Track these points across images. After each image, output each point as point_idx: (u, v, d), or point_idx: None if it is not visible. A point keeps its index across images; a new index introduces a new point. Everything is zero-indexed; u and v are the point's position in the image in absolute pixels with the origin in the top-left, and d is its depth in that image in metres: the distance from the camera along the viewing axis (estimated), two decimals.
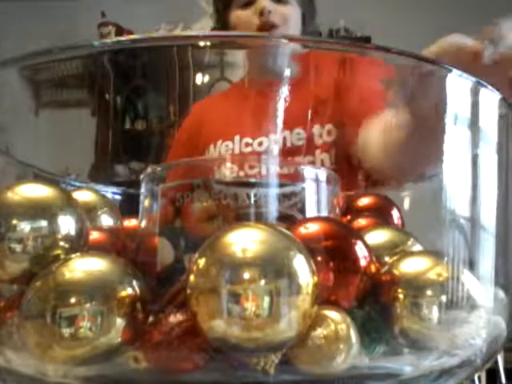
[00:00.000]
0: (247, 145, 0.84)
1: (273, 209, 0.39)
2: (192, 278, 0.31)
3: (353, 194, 0.55)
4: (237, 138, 0.85)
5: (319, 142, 0.86)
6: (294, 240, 0.32)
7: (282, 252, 0.31)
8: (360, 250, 0.35)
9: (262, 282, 0.29)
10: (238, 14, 1.00)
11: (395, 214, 0.50)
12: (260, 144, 0.80)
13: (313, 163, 0.84)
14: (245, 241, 0.31)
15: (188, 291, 0.31)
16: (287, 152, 0.83)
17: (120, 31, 3.01)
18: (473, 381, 1.22)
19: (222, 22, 1.05)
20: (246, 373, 0.33)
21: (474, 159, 0.41)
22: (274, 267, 0.30)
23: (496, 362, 1.61)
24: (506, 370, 1.69)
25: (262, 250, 0.30)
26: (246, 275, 0.30)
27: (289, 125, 0.82)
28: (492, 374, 1.68)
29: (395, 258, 0.37)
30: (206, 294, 0.30)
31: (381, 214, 0.49)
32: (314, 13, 1.10)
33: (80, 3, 3.15)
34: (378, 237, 0.42)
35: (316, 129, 0.86)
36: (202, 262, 0.31)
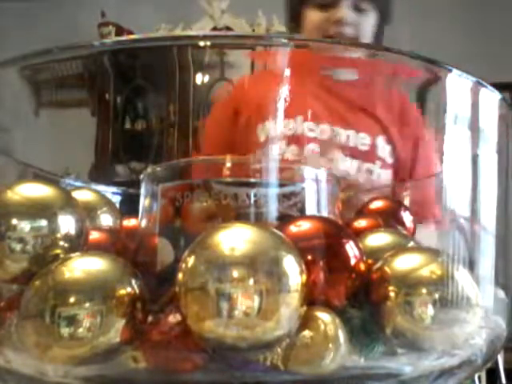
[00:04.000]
0: (310, 130, 0.80)
1: (273, 209, 0.39)
2: (181, 276, 0.31)
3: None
4: (299, 118, 0.80)
5: (381, 155, 0.85)
6: (284, 239, 0.32)
7: (271, 251, 0.31)
8: (351, 249, 0.35)
9: (251, 280, 0.29)
10: (312, 16, 0.95)
11: (407, 217, 0.50)
12: (323, 132, 0.77)
13: (371, 173, 0.83)
14: (233, 240, 0.31)
15: (177, 289, 0.31)
16: (348, 150, 0.82)
17: (120, 31, 3.01)
18: (473, 381, 1.22)
19: (294, 16, 0.99)
20: (246, 373, 0.33)
21: (474, 159, 0.41)
22: (262, 266, 0.30)
23: (496, 362, 1.61)
24: (505, 370, 1.69)
25: (251, 248, 0.30)
26: (235, 274, 0.30)
27: (355, 125, 0.81)
28: (492, 374, 1.68)
29: (388, 254, 0.36)
30: (194, 292, 0.30)
31: (393, 218, 0.49)
32: (389, 16, 1.07)
33: (80, 3, 3.15)
34: (378, 239, 0.42)
35: (380, 140, 0.85)
36: (190, 260, 0.31)
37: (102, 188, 0.54)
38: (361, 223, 0.47)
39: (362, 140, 0.81)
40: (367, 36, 0.98)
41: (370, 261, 0.36)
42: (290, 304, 0.30)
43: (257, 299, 0.29)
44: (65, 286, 0.32)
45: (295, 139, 0.42)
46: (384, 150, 0.85)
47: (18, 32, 3.02)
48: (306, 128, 0.77)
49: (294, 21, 0.98)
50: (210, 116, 0.79)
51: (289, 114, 0.82)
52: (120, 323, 0.31)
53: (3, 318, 0.35)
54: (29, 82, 0.45)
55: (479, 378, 1.58)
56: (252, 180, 0.41)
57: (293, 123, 0.79)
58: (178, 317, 0.32)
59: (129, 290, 0.32)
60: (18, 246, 0.34)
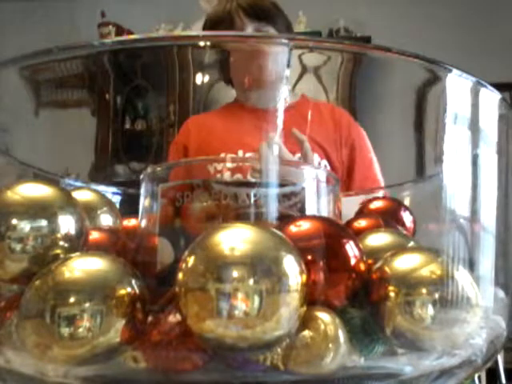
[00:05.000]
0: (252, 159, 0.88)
1: (273, 209, 0.39)
2: (181, 276, 0.31)
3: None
4: (240, 152, 0.87)
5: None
6: (284, 239, 0.32)
7: (271, 251, 0.31)
8: (351, 249, 0.35)
9: (251, 280, 0.29)
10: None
11: (407, 217, 0.50)
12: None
13: None
14: (234, 240, 0.31)
15: (177, 289, 0.31)
16: None
17: (120, 31, 3.01)
18: (473, 381, 1.22)
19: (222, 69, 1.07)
20: (246, 373, 0.33)
21: (474, 159, 0.41)
22: (262, 266, 0.30)
23: (496, 362, 1.61)
24: (506, 370, 1.69)
25: (251, 248, 0.30)
26: (235, 274, 0.30)
27: (290, 149, 0.87)
28: (492, 374, 1.68)
29: (388, 254, 0.36)
30: (194, 292, 0.30)
31: (393, 218, 0.49)
32: (291, 31, 1.14)
33: (80, 3, 3.15)
34: (378, 239, 0.42)
35: (315, 157, 0.92)
36: (190, 260, 0.31)
37: (102, 188, 0.54)
38: (361, 223, 0.47)
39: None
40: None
41: (370, 261, 0.36)
42: (290, 304, 0.30)
43: (257, 299, 0.29)
44: (65, 286, 0.32)
45: (239, 169, 0.45)
46: (321, 163, 0.92)
47: (18, 32, 3.02)
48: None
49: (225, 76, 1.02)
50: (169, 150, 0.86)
51: (231, 150, 0.88)
52: (120, 323, 0.31)
53: (3, 317, 0.35)
54: (29, 82, 0.45)
55: (479, 378, 1.58)
56: (252, 180, 0.41)
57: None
58: (178, 317, 0.32)
59: (129, 290, 0.32)
60: (18, 246, 0.34)
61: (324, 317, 0.33)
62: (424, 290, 0.34)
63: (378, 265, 0.36)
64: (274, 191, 0.40)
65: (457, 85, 0.39)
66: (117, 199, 0.55)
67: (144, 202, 0.43)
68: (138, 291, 0.33)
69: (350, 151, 0.96)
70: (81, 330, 0.30)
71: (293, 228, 0.36)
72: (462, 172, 0.40)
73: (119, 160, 0.66)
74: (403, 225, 0.49)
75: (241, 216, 0.38)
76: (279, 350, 0.32)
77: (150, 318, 0.33)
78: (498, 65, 2.59)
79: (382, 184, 0.77)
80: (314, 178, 0.43)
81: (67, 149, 0.59)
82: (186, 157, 0.96)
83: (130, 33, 2.93)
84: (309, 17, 3.09)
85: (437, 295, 0.33)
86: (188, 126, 0.92)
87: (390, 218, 0.49)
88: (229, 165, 0.44)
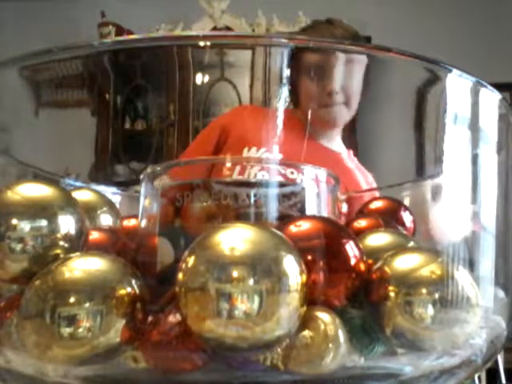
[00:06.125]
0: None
1: (273, 209, 0.39)
2: (181, 276, 0.31)
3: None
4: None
5: None
6: (284, 239, 0.32)
7: (271, 251, 0.31)
8: (351, 249, 0.35)
9: (251, 280, 0.29)
10: (307, 85, 1.00)
11: (407, 217, 0.50)
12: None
13: None
14: (234, 240, 0.31)
15: (177, 289, 0.31)
16: None
17: (120, 31, 3.02)
18: (473, 381, 1.22)
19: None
20: (246, 373, 0.33)
21: (474, 159, 0.41)
22: (262, 266, 0.30)
23: (496, 362, 1.61)
24: (506, 370, 1.69)
25: (251, 248, 0.30)
26: (235, 274, 0.30)
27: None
28: (492, 374, 1.68)
29: (388, 254, 0.36)
30: (194, 292, 0.30)
31: (393, 218, 0.49)
32: None
33: (80, 3, 3.15)
34: (378, 239, 0.42)
35: None
36: (190, 260, 0.31)
37: (102, 188, 0.54)
38: (361, 223, 0.47)
39: None
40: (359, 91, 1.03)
41: (370, 261, 0.36)
42: (290, 304, 0.30)
43: (257, 299, 0.29)
44: (65, 286, 0.32)
45: (266, 168, 0.45)
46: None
47: (18, 32, 3.02)
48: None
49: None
50: (196, 138, 0.84)
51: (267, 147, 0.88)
52: (120, 323, 0.31)
53: (3, 317, 0.35)
54: (29, 82, 0.45)
55: (479, 378, 1.58)
56: (252, 180, 0.41)
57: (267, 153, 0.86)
58: (178, 317, 0.32)
59: (129, 290, 0.32)
60: (18, 246, 0.34)
61: (324, 317, 0.33)
62: (424, 290, 0.34)
63: (378, 265, 0.36)
64: (274, 191, 0.40)
65: (457, 85, 0.39)
66: (117, 199, 0.55)
67: (144, 202, 0.43)
68: (137, 291, 0.33)
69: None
70: (81, 330, 0.30)
71: (293, 228, 0.36)
72: (462, 172, 0.40)
73: (119, 160, 0.66)
74: (403, 225, 0.49)
75: (241, 216, 0.38)
76: (279, 350, 0.32)
77: (150, 318, 0.33)
78: (498, 65, 2.59)
79: None
80: (313, 178, 0.43)
81: (67, 149, 0.59)
82: (220, 138, 0.95)
83: (130, 33, 2.93)
84: (309, 17, 3.09)
85: (437, 295, 0.33)
86: (232, 115, 0.90)
87: (390, 217, 0.49)
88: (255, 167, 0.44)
